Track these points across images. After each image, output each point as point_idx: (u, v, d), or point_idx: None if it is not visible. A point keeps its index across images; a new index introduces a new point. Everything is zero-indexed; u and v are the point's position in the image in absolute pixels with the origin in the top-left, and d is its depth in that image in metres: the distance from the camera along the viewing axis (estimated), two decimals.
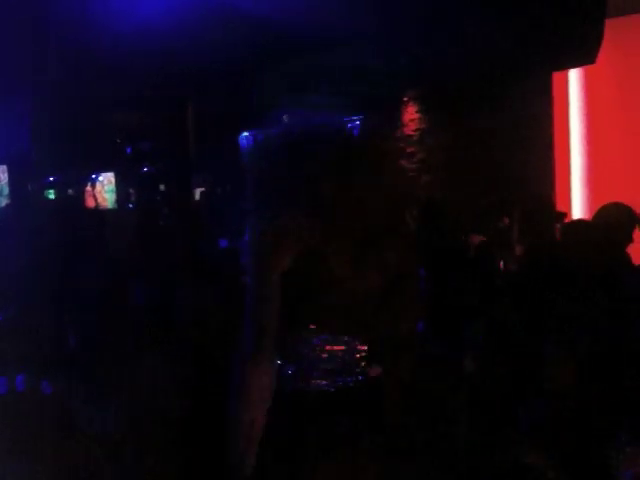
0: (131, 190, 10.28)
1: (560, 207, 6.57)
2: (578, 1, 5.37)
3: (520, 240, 4.59)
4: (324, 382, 2.11)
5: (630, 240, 3.88)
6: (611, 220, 3.83)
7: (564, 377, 3.01)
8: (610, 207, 3.97)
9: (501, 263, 4.65)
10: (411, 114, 8.42)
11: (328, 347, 2.11)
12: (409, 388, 2.18)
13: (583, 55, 6.16)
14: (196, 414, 3.47)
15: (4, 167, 8.40)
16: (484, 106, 7.46)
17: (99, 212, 9.34)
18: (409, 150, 8.43)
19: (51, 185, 10.09)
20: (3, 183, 8.43)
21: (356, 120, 2.20)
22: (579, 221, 4.87)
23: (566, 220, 5.23)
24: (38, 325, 4.00)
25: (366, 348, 2.12)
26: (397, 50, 5.96)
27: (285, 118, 2.21)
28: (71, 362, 3.90)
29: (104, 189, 10.47)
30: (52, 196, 9.87)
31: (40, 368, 3.74)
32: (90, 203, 10.34)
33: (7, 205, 7.95)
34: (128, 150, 10.05)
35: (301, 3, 5.18)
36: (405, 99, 8.39)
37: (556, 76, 7.33)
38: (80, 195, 10.36)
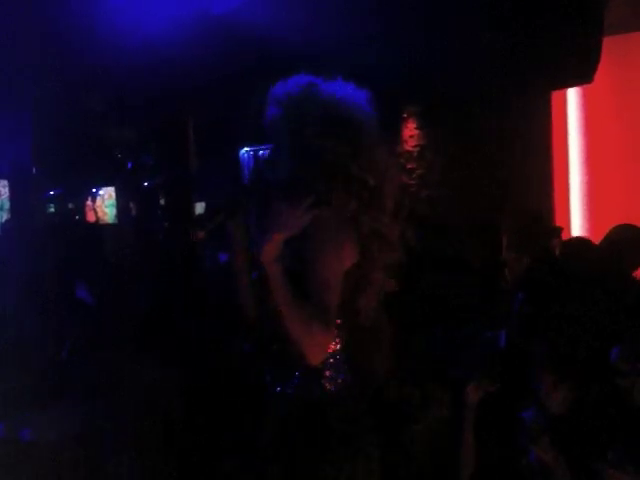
0: (131, 204, 10.30)
1: (559, 222, 6.60)
2: (575, 21, 5.43)
3: (515, 255, 4.60)
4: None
5: (638, 264, 3.87)
6: (621, 242, 3.83)
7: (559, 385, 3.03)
8: (622, 229, 3.97)
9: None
10: (410, 130, 8.47)
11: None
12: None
13: (580, 74, 6.22)
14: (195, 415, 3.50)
15: (5, 182, 8.40)
16: (481, 122, 7.51)
17: (98, 226, 9.39)
18: (408, 166, 8.47)
19: (52, 199, 10.11)
20: (4, 197, 8.43)
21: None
22: (580, 239, 4.88)
23: (562, 235, 5.27)
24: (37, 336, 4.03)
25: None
26: (393, 64, 6.02)
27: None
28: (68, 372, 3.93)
29: (104, 203, 10.49)
30: (53, 210, 9.90)
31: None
32: (90, 217, 10.37)
33: (8, 220, 7.96)
34: (129, 165, 10.09)
35: (300, 17, 5.24)
36: (404, 115, 8.44)
37: (555, 94, 7.38)
38: (80, 209, 10.40)
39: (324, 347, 2.03)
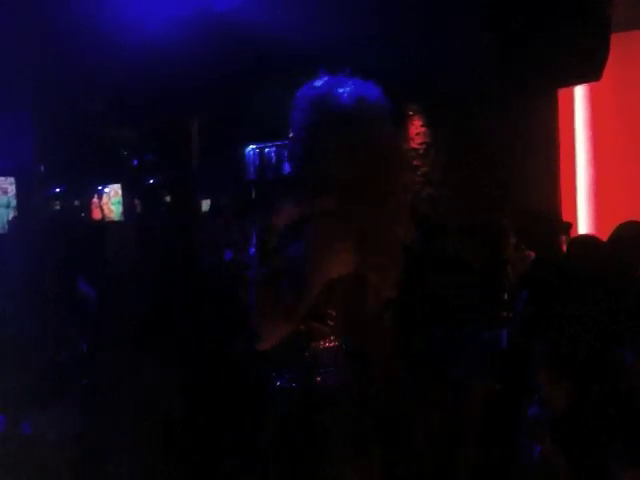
0: (137, 202, 10.32)
1: (566, 219, 6.58)
2: (575, 21, 5.42)
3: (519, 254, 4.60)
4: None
5: None
6: (625, 239, 3.81)
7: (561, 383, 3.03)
8: (626, 226, 3.95)
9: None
10: (416, 128, 8.45)
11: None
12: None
13: (583, 74, 6.20)
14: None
15: (12, 179, 8.43)
16: (488, 120, 7.50)
17: (101, 225, 9.41)
18: (414, 163, 8.46)
19: (57, 196, 10.15)
20: (11, 195, 8.45)
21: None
22: (587, 236, 4.87)
23: (571, 231, 5.26)
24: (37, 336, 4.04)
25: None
26: (394, 64, 6.02)
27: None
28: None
29: (110, 201, 10.50)
30: (58, 207, 9.95)
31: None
32: (96, 215, 10.39)
33: (15, 217, 8.00)
34: (134, 162, 10.12)
35: (300, 17, 5.24)
36: (410, 112, 8.43)
37: (562, 91, 7.36)
38: (86, 207, 10.42)
39: (276, 336, 2.06)
